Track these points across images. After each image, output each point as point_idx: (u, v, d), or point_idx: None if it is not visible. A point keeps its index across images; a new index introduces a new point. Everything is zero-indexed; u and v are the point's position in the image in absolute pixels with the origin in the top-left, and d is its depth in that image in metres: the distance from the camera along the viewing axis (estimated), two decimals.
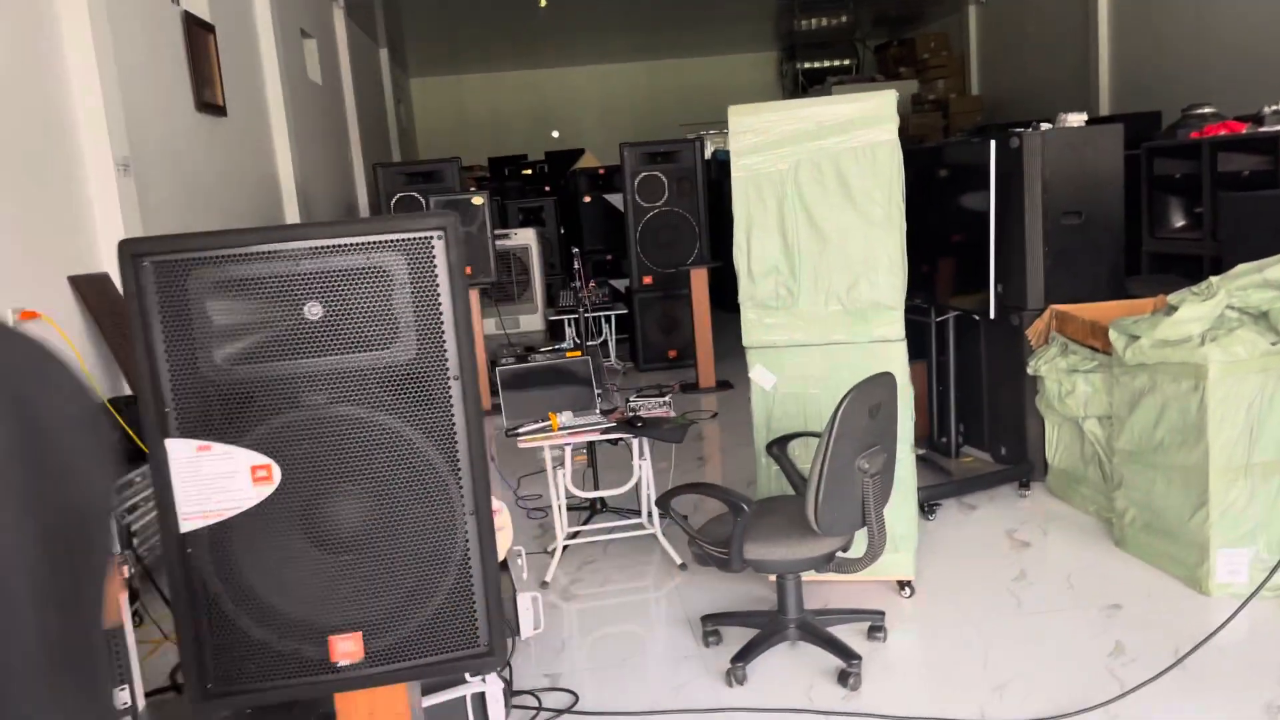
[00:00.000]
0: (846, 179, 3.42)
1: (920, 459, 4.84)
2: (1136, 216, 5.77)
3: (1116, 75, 10.78)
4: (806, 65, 16.36)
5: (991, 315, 4.28)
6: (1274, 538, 3.33)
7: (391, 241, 1.63)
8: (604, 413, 4.07)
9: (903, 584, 3.60)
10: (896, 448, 3.11)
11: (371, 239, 1.62)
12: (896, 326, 3.47)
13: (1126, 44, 10.52)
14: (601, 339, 8.24)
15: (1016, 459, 4.67)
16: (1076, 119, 4.53)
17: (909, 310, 4.75)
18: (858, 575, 3.46)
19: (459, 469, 1.68)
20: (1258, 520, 3.35)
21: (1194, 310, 3.39)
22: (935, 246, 4.80)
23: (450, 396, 1.66)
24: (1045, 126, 4.57)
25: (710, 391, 7.07)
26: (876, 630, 3.29)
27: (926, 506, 4.30)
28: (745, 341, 3.59)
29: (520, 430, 3.87)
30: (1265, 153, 4.82)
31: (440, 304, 1.64)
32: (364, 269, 1.63)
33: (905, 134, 13.09)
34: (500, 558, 3.37)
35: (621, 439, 3.99)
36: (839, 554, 3.08)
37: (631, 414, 4.01)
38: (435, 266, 1.63)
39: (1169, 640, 3.09)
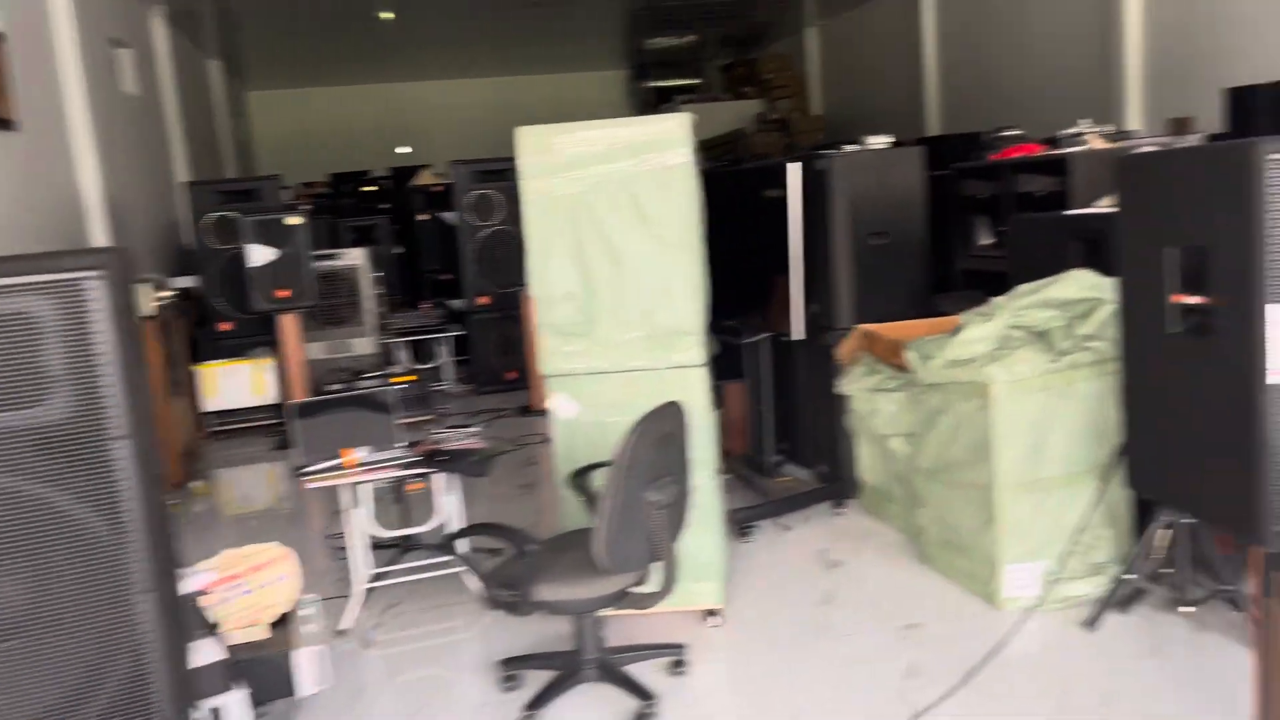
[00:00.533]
0: (641, 203, 3.34)
1: (738, 480, 4.82)
2: (955, 235, 5.95)
3: (944, 98, 11.23)
4: (656, 84, 16.46)
5: (795, 336, 4.28)
6: (1060, 551, 3.40)
7: (36, 285, 1.42)
8: (410, 445, 3.87)
9: (711, 613, 3.53)
10: (690, 477, 3.03)
11: (13, 281, 1.41)
12: (696, 352, 3.41)
13: (952, 69, 10.97)
14: (438, 362, 7.98)
15: (834, 477, 4.69)
16: (879, 141, 4.61)
17: (727, 331, 4.73)
18: (667, 606, 3.38)
19: (127, 542, 1.48)
20: (1044, 534, 3.42)
21: (979, 330, 3.45)
22: (746, 268, 4.79)
23: (113, 459, 1.46)
24: (850, 148, 4.63)
25: (544, 415, 6.91)
26: (678, 665, 3.20)
27: (742, 529, 4.26)
28: (544, 369, 3.46)
29: (309, 470, 3.63)
30: (1057, 174, 5.01)
31: (97, 355, 1.44)
32: (5, 316, 1.41)
33: (749, 151, 13.20)
34: (284, 610, 3.15)
35: (426, 474, 3.80)
36: (633, 590, 2.97)
37: (436, 446, 3.83)
38: (90, 312, 1.43)
39: (962, 659, 3.11)
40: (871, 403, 4.18)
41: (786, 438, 5.19)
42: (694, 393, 3.40)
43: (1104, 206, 3.85)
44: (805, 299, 4.51)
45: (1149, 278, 2.19)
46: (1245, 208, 1.89)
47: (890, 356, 4.11)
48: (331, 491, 4.87)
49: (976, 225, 5.78)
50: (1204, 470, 2.10)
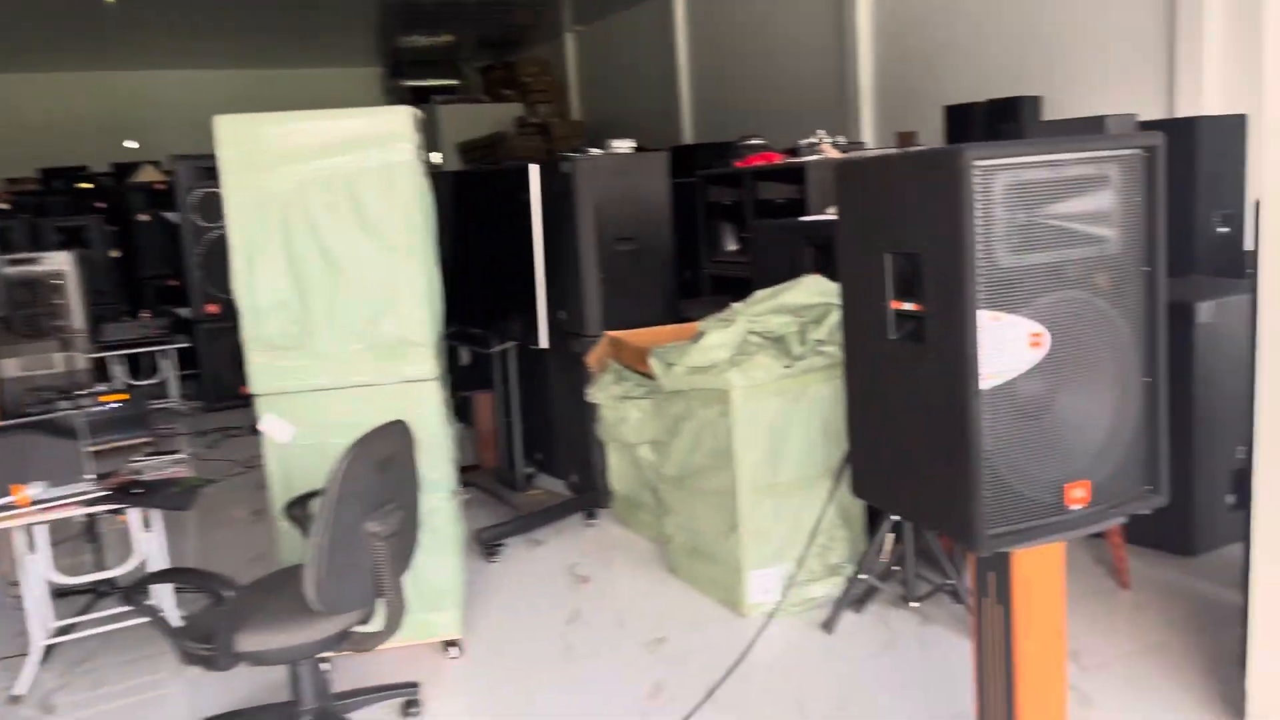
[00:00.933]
0: (362, 202, 3.04)
1: (488, 495, 4.60)
2: (703, 240, 5.99)
3: (697, 107, 11.48)
4: (412, 83, 15.91)
5: (542, 344, 4.11)
6: (799, 554, 3.42)
7: None
8: (102, 476, 3.36)
9: (450, 644, 3.28)
10: (419, 501, 2.78)
11: None
12: (427, 364, 3.15)
13: (704, 79, 11.22)
14: (161, 377, 7.22)
15: (586, 487, 4.56)
16: (624, 146, 4.52)
17: (475, 340, 4.49)
18: (402, 640, 3.10)
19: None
20: (784, 538, 3.42)
21: (719, 337, 3.41)
22: (495, 274, 4.58)
23: None
24: (595, 152, 4.51)
25: None
26: (411, 706, 2.94)
27: (490, 548, 4.03)
28: (253, 388, 3.10)
29: None
30: (796, 181, 5.13)
31: None
32: None
33: (510, 155, 12.90)
34: None
35: (118, 510, 3.31)
36: (356, 630, 2.68)
37: (132, 478, 3.35)
38: None
39: (706, 672, 3.04)
40: (620, 411, 4.07)
41: (541, 448, 5.02)
42: (426, 408, 3.14)
43: (832, 213, 3.94)
44: (553, 305, 4.36)
45: (867, 284, 2.17)
46: (953, 214, 1.88)
47: (637, 364, 4.02)
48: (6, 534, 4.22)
49: (722, 231, 5.84)
50: (922, 476, 2.10)
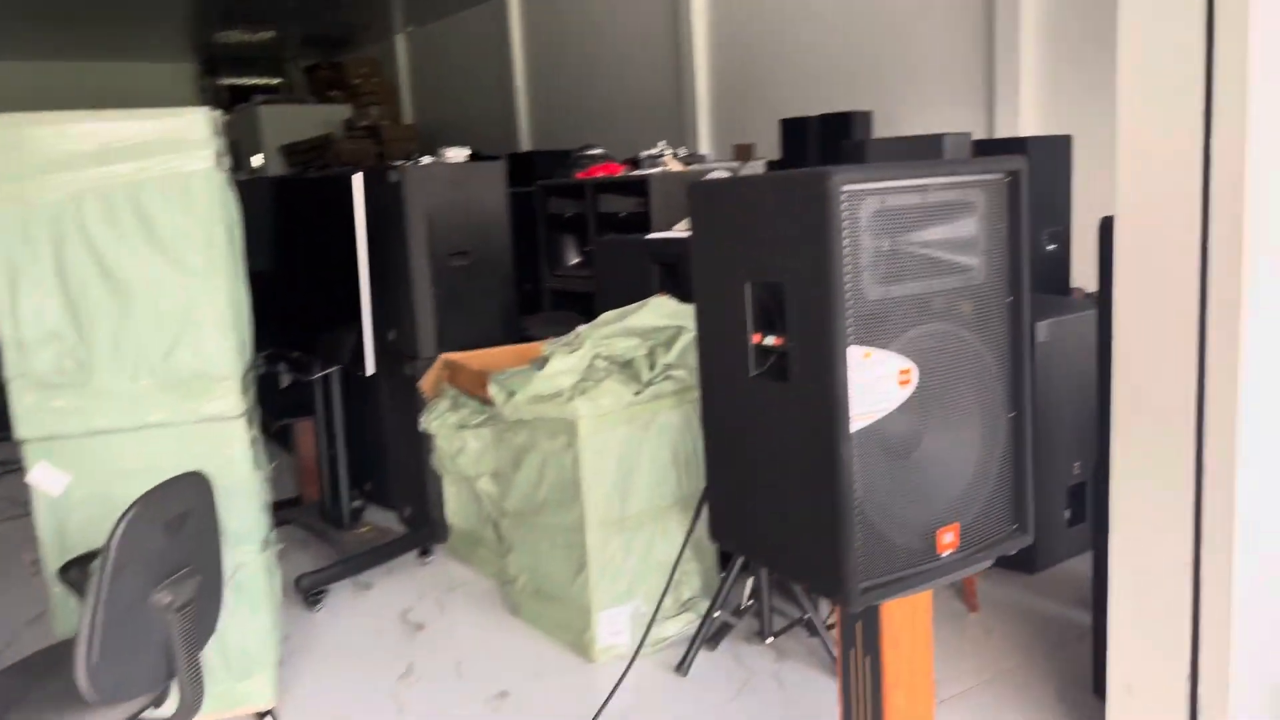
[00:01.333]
0: (151, 217, 2.63)
1: (310, 534, 4.20)
2: (544, 254, 5.74)
3: (535, 114, 11.20)
4: (231, 81, 14.94)
5: (369, 370, 3.77)
6: (651, 589, 3.22)
7: None
8: None
9: (263, 715, 2.90)
10: (221, 561, 2.41)
11: None
12: (232, 400, 2.76)
13: (541, 85, 10.97)
14: None
15: (421, 521, 4.23)
16: (457, 154, 4.22)
17: (296, 365, 4.08)
18: (207, 716, 2.70)
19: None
20: (634, 574, 3.22)
21: (563, 362, 3.17)
22: (315, 290, 4.19)
23: None
24: (427, 161, 4.20)
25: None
26: None
27: (311, 596, 3.65)
28: (21, 433, 2.63)
29: None
30: (639, 194, 4.96)
31: None
32: None
33: (339, 158, 12.22)
34: None
35: None
36: (147, 715, 2.29)
37: None
38: None
39: None
40: (456, 440, 3.77)
41: (371, 477, 4.65)
42: (231, 449, 2.76)
43: (681, 230, 3.77)
44: (383, 325, 4.01)
45: (724, 315, 1.99)
46: (820, 242, 1.72)
47: (475, 389, 3.73)
48: None
49: (564, 244, 5.62)
50: (786, 523, 1.93)
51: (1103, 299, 2.45)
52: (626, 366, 3.25)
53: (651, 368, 3.21)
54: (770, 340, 1.92)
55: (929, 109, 7.30)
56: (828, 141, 7.46)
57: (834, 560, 1.82)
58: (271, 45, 14.59)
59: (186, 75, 15.82)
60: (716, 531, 2.20)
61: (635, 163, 5.65)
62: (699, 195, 2.10)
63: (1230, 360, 2.05)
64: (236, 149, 12.26)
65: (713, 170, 5.25)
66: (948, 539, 1.93)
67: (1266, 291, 2.05)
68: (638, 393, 3.14)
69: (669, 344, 3.24)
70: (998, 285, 1.97)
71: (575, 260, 5.57)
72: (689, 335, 3.21)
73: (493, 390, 3.35)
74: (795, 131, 7.68)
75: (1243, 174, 1.99)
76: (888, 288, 1.82)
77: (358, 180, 3.60)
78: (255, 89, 15.20)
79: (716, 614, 3.15)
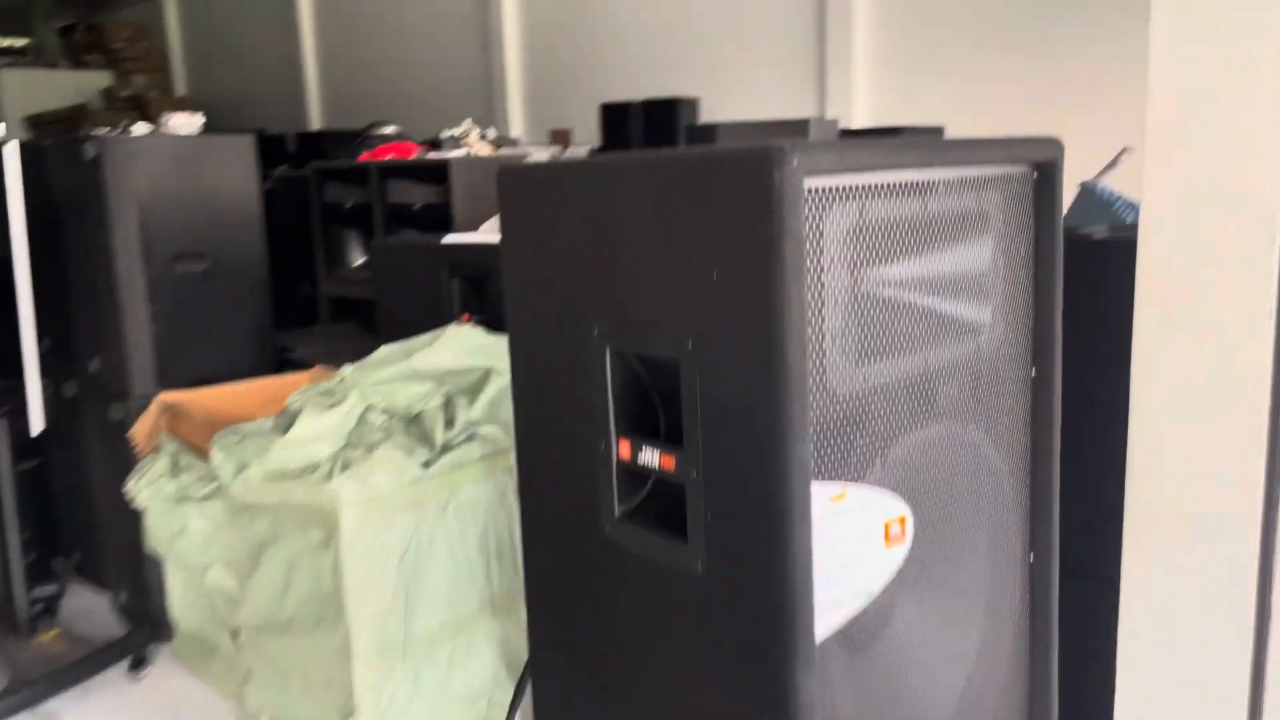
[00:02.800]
0: None
1: None
2: (321, 252, 4.62)
3: (326, 88, 9.88)
4: None
5: (34, 427, 2.61)
6: None
7: None
8: None
9: None
10: None
11: None
12: None
13: (333, 56, 9.67)
14: None
15: (138, 615, 3.09)
16: (186, 123, 3.09)
17: None
18: None
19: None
20: (428, 712, 2.27)
21: (318, 424, 2.17)
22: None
23: None
24: (142, 129, 3.05)
25: None
26: None
27: None
28: None
29: None
30: (437, 182, 3.95)
31: None
32: None
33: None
34: None
35: None
36: None
37: None
38: None
39: None
40: (177, 516, 2.68)
41: (81, 545, 3.45)
42: None
43: (489, 232, 2.81)
44: (86, 352, 2.86)
45: (560, 393, 1.11)
46: (762, 286, 0.86)
47: (204, 443, 2.65)
48: None
49: (346, 241, 4.53)
50: None
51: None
52: (413, 424, 2.28)
53: (449, 425, 2.26)
54: (650, 457, 1.04)
55: (758, 95, 6.67)
56: (653, 129, 6.70)
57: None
58: (19, 2, 12.46)
59: None
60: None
61: (435, 144, 4.64)
62: (514, 186, 1.18)
63: None
64: None
65: (530, 155, 4.32)
66: None
67: None
68: (428, 463, 2.18)
69: (473, 392, 2.30)
70: (1017, 351, 1.16)
71: (360, 260, 4.49)
72: (502, 380, 2.28)
73: (217, 459, 2.30)
74: (617, 118, 6.87)
75: None
76: (867, 369, 0.97)
77: (10, 151, 2.43)
78: (1, 51, 12.98)
79: None
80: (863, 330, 0.94)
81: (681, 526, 0.98)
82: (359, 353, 3.97)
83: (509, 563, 2.36)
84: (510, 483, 2.32)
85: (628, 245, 1.00)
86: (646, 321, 0.99)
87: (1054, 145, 1.14)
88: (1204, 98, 1.15)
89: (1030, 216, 1.14)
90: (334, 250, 4.50)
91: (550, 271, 1.14)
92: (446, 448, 2.23)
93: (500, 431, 2.29)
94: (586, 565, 1.09)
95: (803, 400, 0.85)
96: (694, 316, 0.92)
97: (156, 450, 2.82)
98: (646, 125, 6.79)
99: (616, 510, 1.04)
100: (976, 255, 1.08)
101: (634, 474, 1.03)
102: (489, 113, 7.62)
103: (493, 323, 2.50)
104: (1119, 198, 3.57)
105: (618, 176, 1.06)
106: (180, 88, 11.99)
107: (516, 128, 7.68)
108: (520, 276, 1.18)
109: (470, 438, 2.27)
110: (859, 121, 6.13)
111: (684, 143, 3.79)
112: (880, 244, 0.94)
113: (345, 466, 2.12)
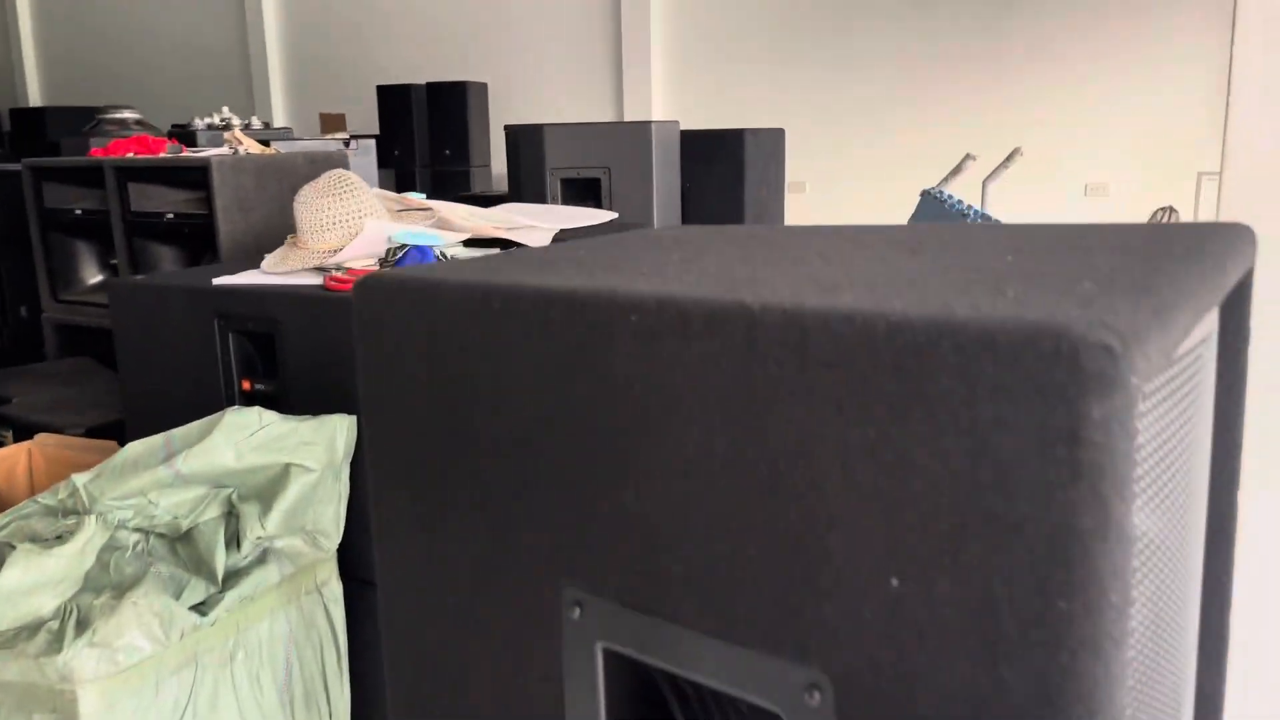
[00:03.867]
0: None
1: None
2: (49, 269, 3.67)
3: (46, 61, 8.38)
4: None
5: None
6: None
7: None
8: None
9: None
10: None
11: None
12: None
13: (54, 27, 8.19)
14: None
15: None
16: None
17: None
18: None
19: None
20: None
21: (40, 569, 1.48)
22: None
23: None
24: None
25: None
26: None
27: None
28: None
29: None
30: (194, 187, 3.17)
31: None
32: None
33: None
34: None
35: None
36: None
37: None
38: None
39: None
40: None
41: None
42: None
43: (276, 271, 2.10)
44: None
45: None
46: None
47: None
48: None
49: (78, 255, 3.63)
50: None
51: None
52: (182, 545, 1.64)
53: (236, 546, 1.63)
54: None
55: (551, 82, 6.18)
56: (438, 116, 6.06)
57: None
58: None
59: None
60: None
61: (188, 138, 3.81)
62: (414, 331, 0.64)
63: None
64: None
65: (301, 145, 3.58)
66: None
67: None
68: (204, 609, 1.56)
69: (266, 497, 1.68)
70: None
71: (96, 279, 3.60)
72: (308, 477, 1.68)
73: None
74: (396, 101, 6.19)
75: None
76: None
77: None
78: None
79: None
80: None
81: None
82: (98, 398, 3.12)
83: (321, 708, 1.78)
84: (319, 608, 1.74)
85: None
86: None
87: (1248, 231, 0.75)
88: None
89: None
90: (60, 267, 3.59)
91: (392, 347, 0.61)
92: (232, 576, 1.61)
93: (304, 544, 1.70)
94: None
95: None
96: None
97: None
98: (431, 111, 6.14)
99: None
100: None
101: None
102: (248, 95, 6.65)
103: (283, 393, 1.88)
104: (959, 201, 3.37)
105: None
106: None
107: (280, 113, 6.77)
108: (371, 359, 0.64)
109: (263, 559, 1.66)
110: (658, 115, 5.79)
111: (507, 146, 3.23)
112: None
113: (82, 624, 1.46)
